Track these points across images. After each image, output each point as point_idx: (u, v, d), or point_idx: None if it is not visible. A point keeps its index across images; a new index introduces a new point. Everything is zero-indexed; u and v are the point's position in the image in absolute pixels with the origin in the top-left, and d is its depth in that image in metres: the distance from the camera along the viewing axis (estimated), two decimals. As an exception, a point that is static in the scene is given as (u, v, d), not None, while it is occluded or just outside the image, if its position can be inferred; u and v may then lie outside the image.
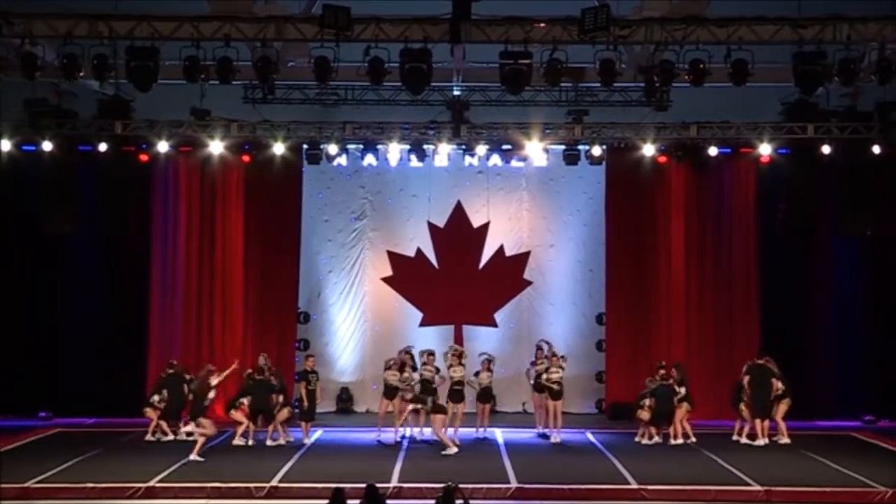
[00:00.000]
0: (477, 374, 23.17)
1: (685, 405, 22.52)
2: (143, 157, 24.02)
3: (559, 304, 26.92)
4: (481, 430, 23.29)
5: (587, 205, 26.77)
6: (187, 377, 22.68)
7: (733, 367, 23.85)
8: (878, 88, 20.48)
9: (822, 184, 24.26)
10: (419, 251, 26.95)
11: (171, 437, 22.42)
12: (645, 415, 22.52)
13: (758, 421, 22.50)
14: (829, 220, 24.85)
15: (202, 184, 25.66)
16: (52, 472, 18.88)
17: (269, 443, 22.09)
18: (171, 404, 22.64)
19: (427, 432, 22.50)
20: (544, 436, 23.07)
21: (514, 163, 25.66)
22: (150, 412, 22.69)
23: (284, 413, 22.47)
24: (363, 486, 14.23)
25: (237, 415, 22.25)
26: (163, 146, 23.47)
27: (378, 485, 14.71)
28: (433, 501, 14.39)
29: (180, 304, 25.43)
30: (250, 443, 22.15)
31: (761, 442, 22.32)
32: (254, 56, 19.27)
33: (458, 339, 26.33)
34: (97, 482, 18.15)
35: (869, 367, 25.66)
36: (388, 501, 15.45)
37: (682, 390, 22.47)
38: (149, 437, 22.46)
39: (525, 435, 23.43)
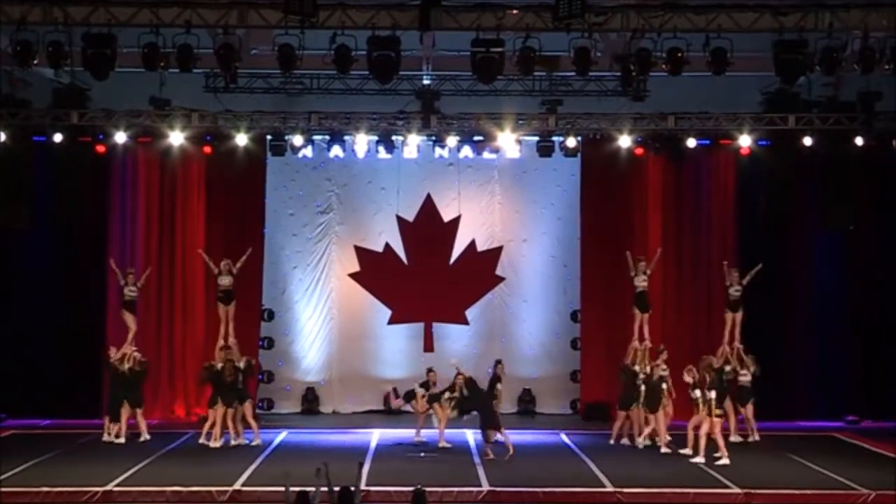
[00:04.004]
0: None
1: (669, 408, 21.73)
2: (100, 148, 23.46)
3: (532, 301, 26.52)
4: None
5: (561, 198, 26.40)
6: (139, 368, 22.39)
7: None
8: (860, 78, 20.29)
9: (803, 177, 24.16)
10: (388, 246, 26.46)
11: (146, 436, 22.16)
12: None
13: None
14: (811, 215, 24.71)
15: (162, 176, 25.16)
16: (6, 476, 18.42)
17: (232, 442, 21.80)
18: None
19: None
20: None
21: (486, 154, 25.24)
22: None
23: (220, 410, 21.79)
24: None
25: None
26: (120, 137, 22.95)
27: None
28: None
29: (139, 301, 24.82)
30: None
31: (735, 438, 21.94)
32: (215, 43, 19.01)
33: (428, 337, 25.99)
34: (52, 486, 17.74)
35: (851, 365, 25.39)
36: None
37: (707, 394, 20.36)
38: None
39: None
